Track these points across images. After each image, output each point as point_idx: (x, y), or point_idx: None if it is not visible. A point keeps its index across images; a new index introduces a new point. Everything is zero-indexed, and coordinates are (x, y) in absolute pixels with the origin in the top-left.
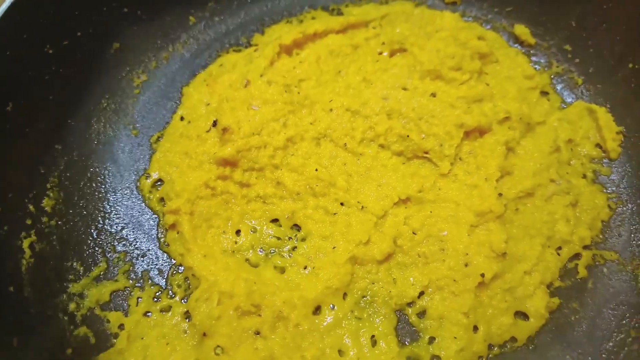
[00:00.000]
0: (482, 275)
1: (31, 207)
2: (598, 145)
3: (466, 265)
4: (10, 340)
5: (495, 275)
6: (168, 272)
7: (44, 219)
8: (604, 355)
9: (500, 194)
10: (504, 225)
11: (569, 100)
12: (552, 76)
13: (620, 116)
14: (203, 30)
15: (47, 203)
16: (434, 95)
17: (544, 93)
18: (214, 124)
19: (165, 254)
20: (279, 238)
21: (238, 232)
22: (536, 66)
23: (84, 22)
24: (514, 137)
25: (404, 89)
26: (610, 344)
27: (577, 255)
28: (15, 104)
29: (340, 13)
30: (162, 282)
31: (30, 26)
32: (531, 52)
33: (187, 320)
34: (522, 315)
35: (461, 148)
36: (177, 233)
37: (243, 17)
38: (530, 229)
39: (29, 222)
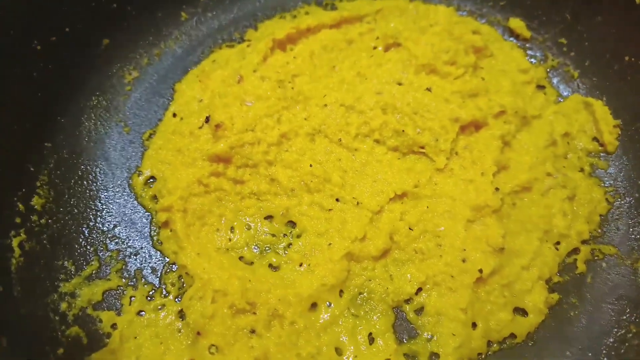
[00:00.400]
0: (480, 270)
1: (20, 205)
2: (595, 139)
3: (463, 260)
4: None
5: (493, 271)
6: (161, 271)
7: (34, 218)
8: (604, 351)
9: (496, 189)
10: (501, 220)
11: (565, 93)
12: (547, 70)
13: (616, 109)
14: (195, 26)
15: (36, 201)
16: (428, 89)
17: (540, 87)
18: (207, 120)
19: (159, 252)
20: (273, 235)
21: (232, 229)
22: (532, 60)
23: (72, 18)
24: (510, 131)
25: (399, 83)
26: (611, 339)
27: (575, 250)
28: (3, 101)
29: (334, 8)
30: (156, 281)
31: (17, 22)
32: (526, 45)
33: (181, 319)
34: (520, 311)
35: (457, 143)
36: (170, 231)
37: (236, 12)
38: (527, 224)
39: (18, 220)
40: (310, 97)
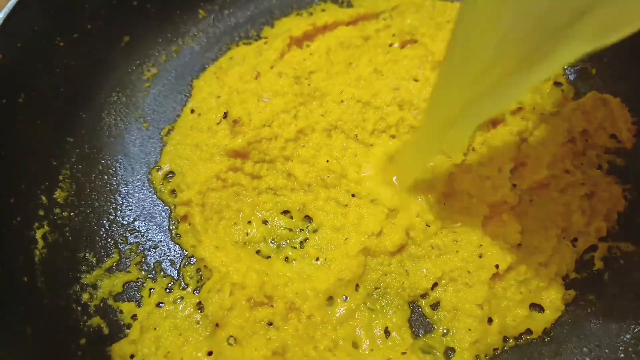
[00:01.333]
0: (497, 266)
1: (44, 198)
2: (613, 136)
3: (480, 256)
4: (24, 330)
5: (510, 267)
6: (180, 264)
7: (57, 210)
8: (621, 348)
9: (514, 185)
10: (518, 217)
11: (582, 90)
12: (565, 67)
13: (635, 106)
14: (212, 24)
15: (59, 195)
16: None
17: (558, 83)
18: (225, 115)
19: (177, 246)
20: (290, 230)
21: (249, 223)
22: None
23: (93, 15)
24: (527, 127)
25: (415, 79)
26: (628, 336)
27: (593, 247)
28: (27, 96)
29: (350, 5)
30: (174, 274)
31: (41, 19)
32: None
33: (200, 311)
34: (537, 307)
35: (474, 139)
36: (189, 225)
37: (252, 10)
38: (545, 220)
39: (41, 213)
40: (326, 93)
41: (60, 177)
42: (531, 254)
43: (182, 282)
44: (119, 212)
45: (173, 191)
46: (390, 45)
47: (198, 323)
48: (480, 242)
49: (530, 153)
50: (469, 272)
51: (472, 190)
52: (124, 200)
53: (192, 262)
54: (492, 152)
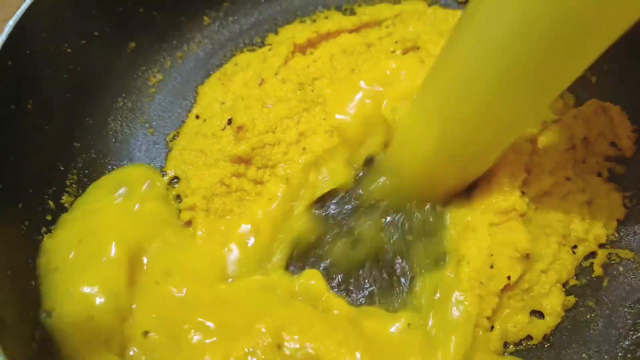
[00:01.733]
0: (509, 277)
1: (51, 203)
2: (613, 144)
3: (492, 266)
4: (32, 334)
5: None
6: None
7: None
8: (620, 354)
9: (523, 193)
10: (525, 225)
11: (583, 98)
12: None
13: (635, 114)
14: (217, 30)
15: (66, 199)
16: None
17: None
18: (229, 122)
19: None
20: None
21: None
22: None
23: (100, 22)
24: (534, 134)
25: None
26: (627, 342)
27: (592, 254)
28: (35, 102)
29: (353, 13)
30: None
31: (50, 26)
32: None
33: None
34: (537, 313)
35: None
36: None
37: (256, 17)
38: (547, 228)
39: (49, 218)
40: (329, 99)
41: (67, 182)
42: (534, 262)
43: None
44: None
45: (178, 196)
46: (393, 52)
47: None
48: (490, 252)
49: (535, 160)
50: (481, 283)
51: (482, 198)
52: None
53: None
54: (504, 157)
